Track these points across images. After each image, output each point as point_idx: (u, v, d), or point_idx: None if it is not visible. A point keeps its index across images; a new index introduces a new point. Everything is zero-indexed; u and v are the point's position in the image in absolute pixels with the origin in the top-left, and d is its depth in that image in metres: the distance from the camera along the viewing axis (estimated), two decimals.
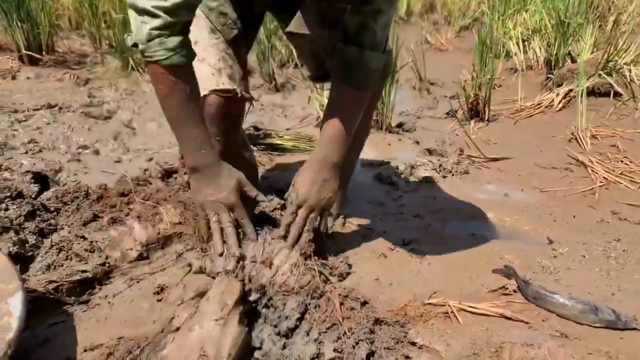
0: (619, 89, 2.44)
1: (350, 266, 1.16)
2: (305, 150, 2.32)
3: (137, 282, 1.05)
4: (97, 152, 2.19)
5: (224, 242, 1.06)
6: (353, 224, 1.39)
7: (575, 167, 1.78)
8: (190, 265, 1.09)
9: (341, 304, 1.01)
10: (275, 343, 0.91)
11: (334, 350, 0.89)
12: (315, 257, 1.12)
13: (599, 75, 2.54)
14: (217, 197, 1.05)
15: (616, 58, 2.52)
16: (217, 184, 1.05)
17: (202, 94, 1.10)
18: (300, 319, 0.96)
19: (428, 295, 1.06)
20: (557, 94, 2.67)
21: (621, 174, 1.66)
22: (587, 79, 2.62)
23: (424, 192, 1.72)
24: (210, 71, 1.15)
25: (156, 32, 0.90)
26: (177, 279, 1.05)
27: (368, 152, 2.26)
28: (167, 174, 1.90)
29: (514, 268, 1.10)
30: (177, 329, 0.86)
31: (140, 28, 0.91)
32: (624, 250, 1.23)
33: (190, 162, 1.04)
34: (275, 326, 0.94)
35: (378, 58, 1.09)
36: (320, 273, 1.09)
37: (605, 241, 1.28)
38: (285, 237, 1.10)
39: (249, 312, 0.97)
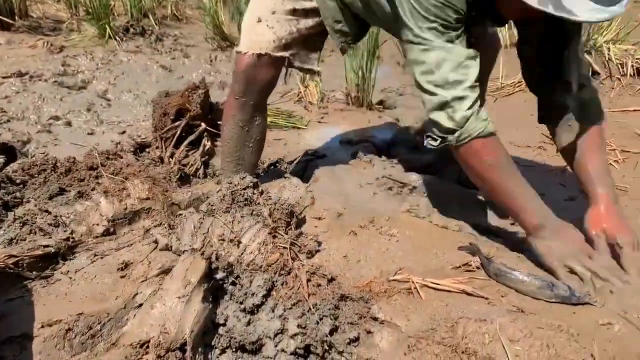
0: (597, 68, 2.45)
1: (319, 244, 1.17)
2: (284, 126, 2.29)
3: (102, 257, 1.04)
4: (69, 124, 2.13)
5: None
6: (325, 201, 1.39)
7: (549, 146, 1.80)
8: (156, 242, 1.09)
9: (308, 280, 1.02)
10: (239, 319, 0.92)
11: (298, 325, 0.91)
12: (285, 235, 1.12)
13: None
14: (574, 248, 1.02)
15: (596, 36, 2.52)
16: (568, 235, 1.04)
17: (254, 52, 1.31)
18: (267, 295, 0.98)
19: (394, 271, 1.07)
20: None
21: None
22: None
23: (401, 170, 1.71)
24: (272, 37, 1.32)
25: (470, 112, 1.02)
26: (143, 255, 1.04)
27: (347, 129, 2.25)
28: (140, 147, 1.87)
29: (478, 245, 1.12)
30: (140, 305, 0.86)
31: (452, 117, 1.02)
32: None
33: (535, 220, 1.04)
34: (241, 303, 0.95)
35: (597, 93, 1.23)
36: (290, 250, 1.09)
37: (570, 220, 1.30)
38: None
39: (214, 289, 0.98)
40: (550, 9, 0.87)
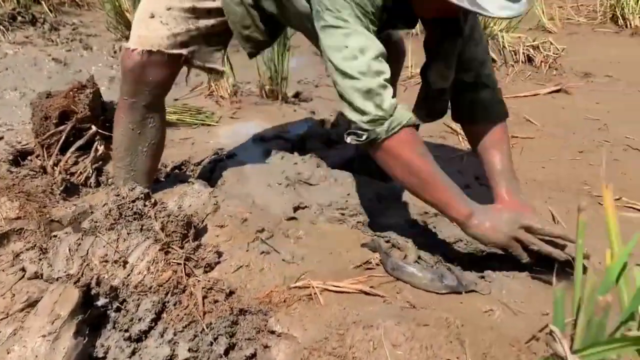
0: (494, 55, 2.62)
1: (220, 255, 1.11)
2: (192, 124, 2.16)
3: None
4: None
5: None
6: (229, 206, 1.33)
7: (449, 135, 1.89)
8: (23, 269, 0.95)
9: (204, 297, 0.96)
10: (123, 350, 0.84)
11: (189, 349, 0.85)
12: (180, 250, 1.05)
13: None
14: (509, 217, 1.03)
15: (492, 25, 2.69)
16: (496, 211, 1.06)
17: (144, 49, 1.20)
18: (156, 319, 0.90)
19: (298, 277, 1.05)
20: None
21: None
22: None
23: (314, 167, 1.69)
24: (166, 34, 1.22)
25: (395, 100, 0.99)
26: (6, 287, 0.91)
27: (261, 125, 2.18)
28: (21, 155, 1.65)
29: (379, 241, 1.14)
30: None
31: (380, 105, 0.97)
32: None
33: (465, 210, 1.02)
34: (126, 330, 0.87)
35: (499, 92, 1.24)
36: (184, 266, 1.02)
37: None
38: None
39: (95, 318, 0.88)
40: (465, 4, 0.89)
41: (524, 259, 1.02)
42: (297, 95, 2.66)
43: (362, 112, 0.99)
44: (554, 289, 0.39)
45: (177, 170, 1.71)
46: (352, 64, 0.97)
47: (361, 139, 1.01)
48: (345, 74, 0.98)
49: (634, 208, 1.30)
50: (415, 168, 1.01)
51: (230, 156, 1.82)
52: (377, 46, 0.99)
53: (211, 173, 1.69)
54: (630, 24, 3.40)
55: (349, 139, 1.04)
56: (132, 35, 1.26)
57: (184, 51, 1.25)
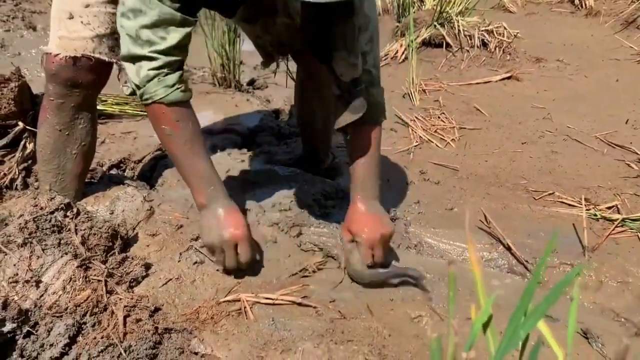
0: (450, 40, 2.60)
1: (148, 267, 1.06)
2: (136, 115, 2.04)
3: None
4: None
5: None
6: (165, 211, 1.27)
7: (400, 127, 1.87)
8: None
9: (126, 317, 0.92)
10: None
11: None
12: (102, 265, 0.99)
13: (435, 26, 2.66)
14: (226, 234, 1.01)
15: (447, 9, 2.65)
16: (225, 220, 1.03)
17: (69, 55, 1.10)
18: (71, 344, 0.85)
19: (230, 288, 1.02)
20: (401, 44, 2.75)
21: (435, 132, 1.79)
22: (426, 29, 2.74)
23: (262, 164, 1.64)
24: (90, 35, 1.11)
25: (153, 72, 0.95)
26: None
27: (211, 116, 2.09)
28: None
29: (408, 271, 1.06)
30: None
31: (138, 72, 0.96)
32: (419, 213, 1.33)
33: (200, 199, 1.05)
34: (35, 358, 0.82)
35: (381, 92, 1.14)
36: (105, 283, 0.97)
37: (406, 204, 1.37)
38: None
39: (0, 346, 0.82)
40: None
41: (219, 267, 1.06)
42: (251, 82, 2.57)
43: (126, 72, 1.00)
44: (430, 340, 0.38)
45: (115, 170, 1.62)
46: (124, 23, 0.95)
47: (127, 92, 1.03)
48: (122, 27, 0.96)
49: (565, 203, 1.33)
50: (164, 144, 1.05)
51: None
52: (157, 14, 0.92)
53: (151, 172, 1.61)
54: (585, 4, 3.44)
55: (123, 87, 1.05)
56: (51, 37, 1.13)
57: (113, 59, 1.14)
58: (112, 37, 1.13)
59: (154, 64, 0.95)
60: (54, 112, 1.20)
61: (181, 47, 0.98)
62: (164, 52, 0.95)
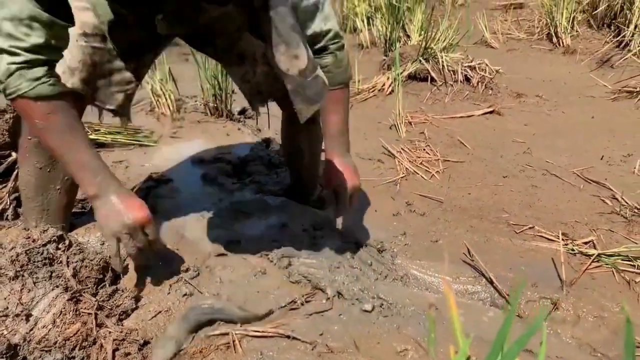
0: (434, 75, 2.71)
1: (138, 299, 1.08)
2: (129, 144, 2.07)
3: None
4: None
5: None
6: (156, 242, 1.29)
7: (386, 158, 1.93)
8: None
9: (115, 350, 0.93)
10: None
11: None
12: (92, 298, 1.00)
13: (420, 61, 2.78)
14: (129, 218, 1.00)
15: (432, 45, 2.78)
16: (127, 204, 1.02)
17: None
18: None
19: (219, 321, 1.03)
20: (388, 77, 2.86)
21: (421, 163, 1.85)
22: (412, 64, 2.85)
23: (252, 195, 1.67)
24: (62, 69, 0.99)
25: (15, 67, 0.90)
26: None
27: (203, 145, 2.12)
28: None
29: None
30: None
31: None
32: (405, 244, 1.37)
33: (91, 190, 1.01)
34: None
35: (345, 53, 1.22)
36: (95, 317, 0.98)
37: (392, 235, 1.41)
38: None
39: None
40: None
41: (116, 267, 1.07)
42: (243, 111, 2.63)
43: None
44: None
45: None
46: None
47: None
48: None
49: (545, 237, 1.38)
50: (43, 141, 1.02)
51: (166, 182, 1.76)
52: (20, 10, 0.87)
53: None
54: (563, 43, 3.63)
55: None
56: None
57: (87, 91, 0.98)
58: (87, 71, 0.98)
59: (16, 59, 0.90)
60: (33, 151, 1.18)
61: (52, 48, 0.92)
62: (27, 50, 0.90)
